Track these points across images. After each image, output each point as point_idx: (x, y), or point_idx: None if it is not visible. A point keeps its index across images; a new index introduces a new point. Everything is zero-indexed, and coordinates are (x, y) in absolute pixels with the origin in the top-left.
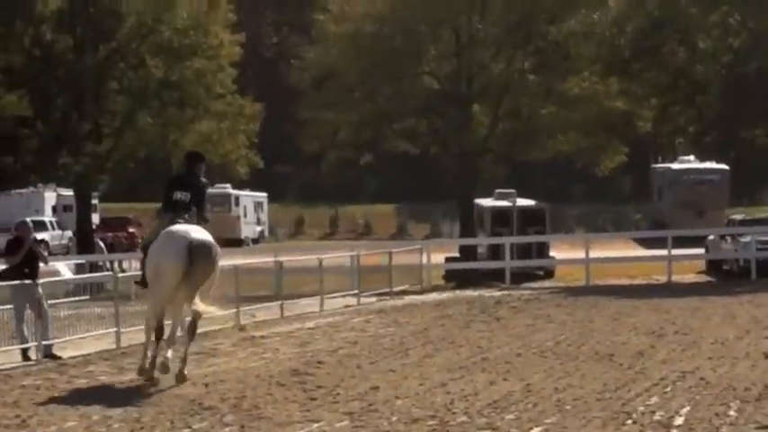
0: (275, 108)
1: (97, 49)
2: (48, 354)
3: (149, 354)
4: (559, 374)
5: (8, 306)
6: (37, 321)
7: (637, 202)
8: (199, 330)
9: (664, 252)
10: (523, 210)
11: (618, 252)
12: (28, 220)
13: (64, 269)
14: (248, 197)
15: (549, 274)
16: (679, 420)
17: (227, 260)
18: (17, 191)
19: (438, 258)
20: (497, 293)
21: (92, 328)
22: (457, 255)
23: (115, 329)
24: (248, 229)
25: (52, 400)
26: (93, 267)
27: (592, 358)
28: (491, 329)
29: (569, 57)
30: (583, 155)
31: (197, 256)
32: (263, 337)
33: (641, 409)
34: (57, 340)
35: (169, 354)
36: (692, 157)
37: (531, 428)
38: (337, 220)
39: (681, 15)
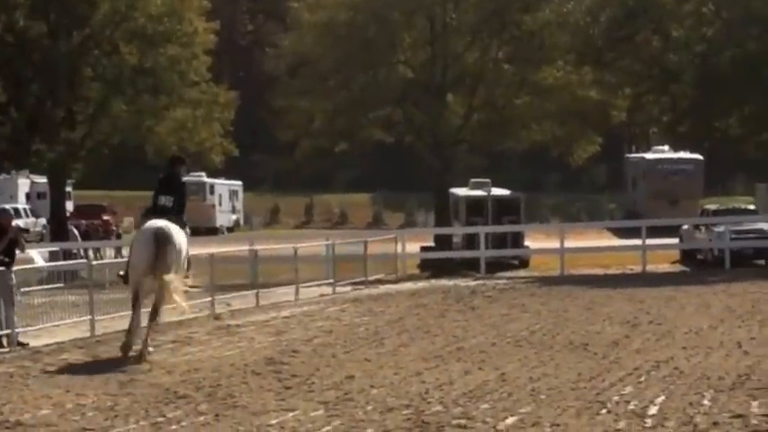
0: (250, 96)
1: (71, 36)
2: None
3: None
4: (534, 364)
5: None
6: (8, 309)
7: (611, 192)
8: (174, 319)
9: (638, 242)
10: (498, 199)
11: (592, 242)
12: (8, 207)
13: (37, 257)
14: (223, 186)
15: (523, 263)
16: (653, 410)
17: (203, 248)
18: None
19: (413, 247)
20: (472, 283)
21: (66, 315)
22: (432, 244)
23: (89, 317)
24: (223, 218)
25: (26, 387)
26: (67, 255)
27: (566, 348)
28: (466, 319)
29: (544, 46)
30: (557, 145)
31: (161, 241)
32: (238, 325)
33: (615, 398)
34: (30, 328)
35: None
36: (665, 147)
37: (506, 418)
38: (312, 209)
39: (654, 4)
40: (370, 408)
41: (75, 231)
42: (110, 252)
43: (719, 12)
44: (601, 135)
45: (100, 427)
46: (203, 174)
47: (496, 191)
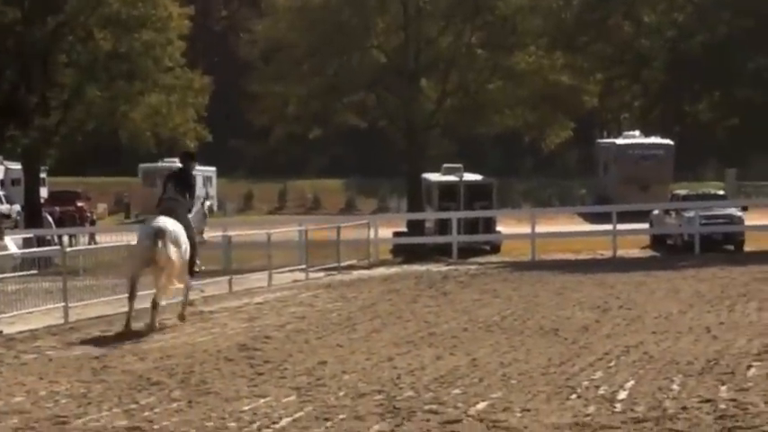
0: (224, 81)
1: (45, 22)
2: None
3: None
4: (505, 349)
5: None
6: None
7: (582, 177)
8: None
9: (609, 227)
10: (470, 185)
11: (563, 227)
12: None
13: (11, 244)
14: (197, 171)
15: (495, 248)
16: (623, 395)
17: None
18: None
19: (386, 233)
20: (444, 268)
21: (39, 302)
22: (404, 229)
23: (63, 304)
24: None
25: None
26: (41, 242)
27: (537, 333)
28: (438, 304)
29: (516, 31)
30: (529, 130)
31: (159, 237)
32: (211, 312)
33: (585, 383)
34: (3, 315)
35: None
36: (636, 133)
37: (477, 403)
38: (286, 195)
39: None
40: (342, 393)
41: (50, 218)
42: (83, 239)
43: None
44: (573, 120)
45: (73, 414)
46: (176, 159)
47: (469, 176)
